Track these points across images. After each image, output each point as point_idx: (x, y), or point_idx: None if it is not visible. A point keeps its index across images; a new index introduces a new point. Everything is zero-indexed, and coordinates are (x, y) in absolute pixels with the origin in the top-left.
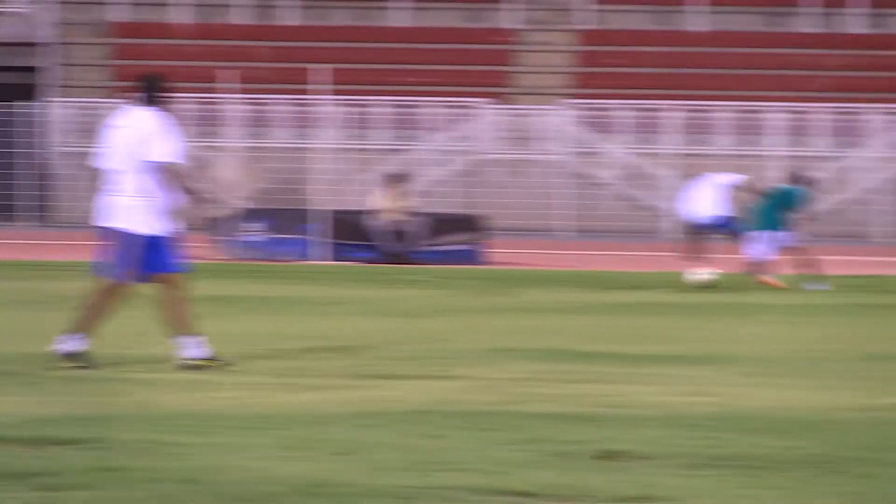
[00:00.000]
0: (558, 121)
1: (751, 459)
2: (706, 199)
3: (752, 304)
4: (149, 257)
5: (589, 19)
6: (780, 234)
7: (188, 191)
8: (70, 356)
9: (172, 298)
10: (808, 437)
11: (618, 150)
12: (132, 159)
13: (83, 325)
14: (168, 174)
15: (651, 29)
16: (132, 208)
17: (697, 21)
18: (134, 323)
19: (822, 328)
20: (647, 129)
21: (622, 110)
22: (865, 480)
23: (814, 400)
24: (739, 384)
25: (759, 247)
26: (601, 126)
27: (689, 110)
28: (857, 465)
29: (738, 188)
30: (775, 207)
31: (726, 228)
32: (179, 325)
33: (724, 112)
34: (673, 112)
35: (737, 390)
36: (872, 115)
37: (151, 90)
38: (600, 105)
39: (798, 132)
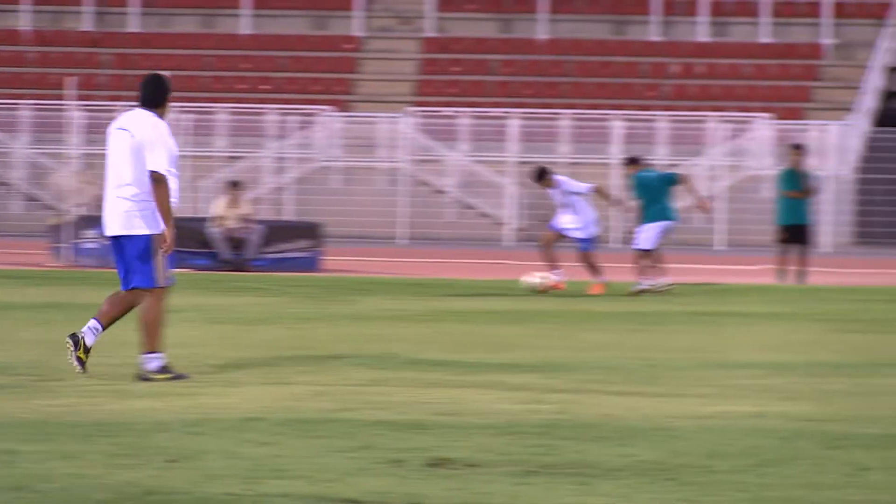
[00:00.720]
0: (400, 128)
1: (583, 467)
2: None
3: (592, 312)
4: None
5: (433, 27)
6: (667, 223)
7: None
8: (161, 370)
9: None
10: (640, 445)
11: (458, 157)
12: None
13: (149, 343)
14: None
15: (494, 37)
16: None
17: (540, 29)
18: None
19: (660, 336)
20: (488, 136)
21: (463, 118)
22: (695, 487)
23: (649, 408)
24: (576, 391)
25: (648, 237)
26: (443, 134)
27: (531, 118)
28: (687, 471)
29: (592, 194)
30: (659, 196)
31: (578, 237)
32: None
33: (565, 120)
34: (515, 120)
35: (573, 397)
36: (713, 123)
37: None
38: (442, 113)
39: (641, 140)
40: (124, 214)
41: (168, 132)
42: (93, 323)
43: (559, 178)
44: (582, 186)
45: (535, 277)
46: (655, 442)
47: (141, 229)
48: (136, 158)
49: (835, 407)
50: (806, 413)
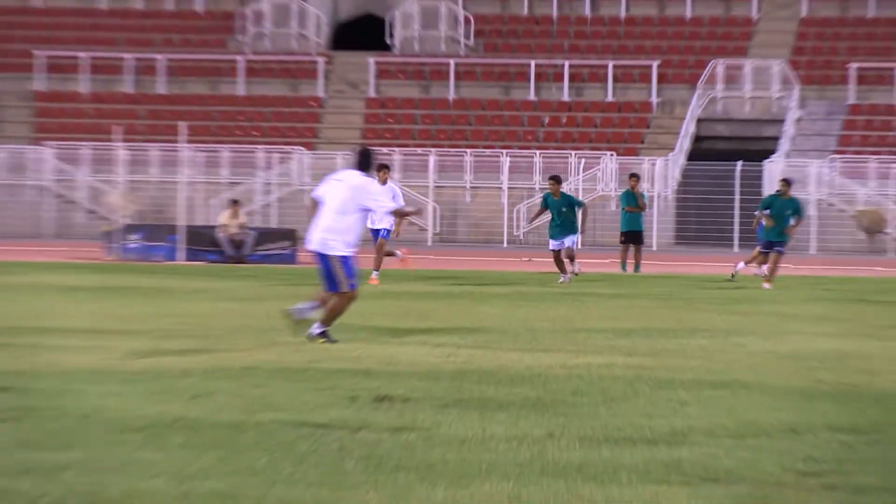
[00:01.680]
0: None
1: (484, 401)
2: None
3: (489, 293)
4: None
5: (374, 90)
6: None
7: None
8: (321, 335)
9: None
10: (525, 386)
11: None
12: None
13: (327, 320)
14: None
15: (417, 97)
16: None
17: (451, 91)
18: (51, 307)
19: (538, 310)
20: (414, 168)
21: (396, 155)
22: (564, 416)
23: (530, 360)
24: (479, 348)
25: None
26: None
27: (444, 155)
28: (558, 405)
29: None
30: (569, 214)
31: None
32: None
33: (468, 156)
34: (432, 156)
35: (477, 352)
36: (573, 158)
37: (364, 158)
38: (380, 151)
39: (523, 170)
40: (325, 240)
41: (372, 184)
42: (309, 304)
43: (392, 186)
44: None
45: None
46: (536, 384)
47: (333, 251)
48: (343, 203)
49: (662, 360)
50: (641, 363)
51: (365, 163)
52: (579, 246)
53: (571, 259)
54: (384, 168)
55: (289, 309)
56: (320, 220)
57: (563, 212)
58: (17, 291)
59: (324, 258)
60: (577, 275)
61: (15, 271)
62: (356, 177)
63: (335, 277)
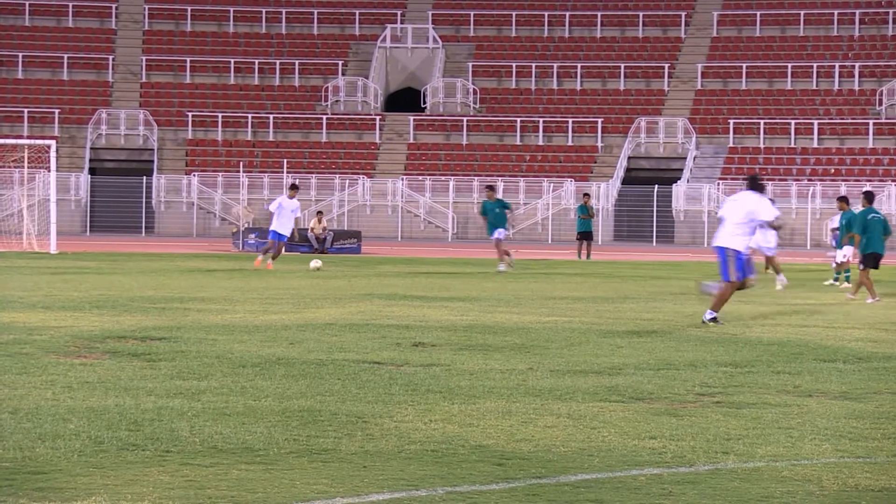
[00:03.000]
0: (398, 187)
1: (486, 346)
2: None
3: (488, 273)
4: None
5: (412, 138)
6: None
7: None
8: (712, 320)
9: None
10: (513, 335)
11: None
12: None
13: (716, 307)
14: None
15: (441, 143)
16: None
17: (459, 138)
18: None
19: (520, 284)
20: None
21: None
22: (541, 355)
23: (517, 318)
24: (482, 311)
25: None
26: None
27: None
28: (537, 348)
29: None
30: (500, 214)
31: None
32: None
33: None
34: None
35: (481, 314)
36: (545, 183)
37: (755, 182)
38: (421, 179)
39: (513, 192)
40: (728, 239)
41: (762, 201)
42: (715, 284)
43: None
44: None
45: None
46: (521, 334)
47: (731, 246)
48: (743, 214)
49: (605, 317)
50: (592, 320)
51: (756, 185)
52: (510, 236)
53: (501, 249)
54: (490, 189)
55: (701, 283)
56: (724, 228)
57: (496, 212)
58: (172, 273)
59: (722, 251)
60: (511, 266)
61: (172, 259)
62: (750, 196)
63: (727, 269)
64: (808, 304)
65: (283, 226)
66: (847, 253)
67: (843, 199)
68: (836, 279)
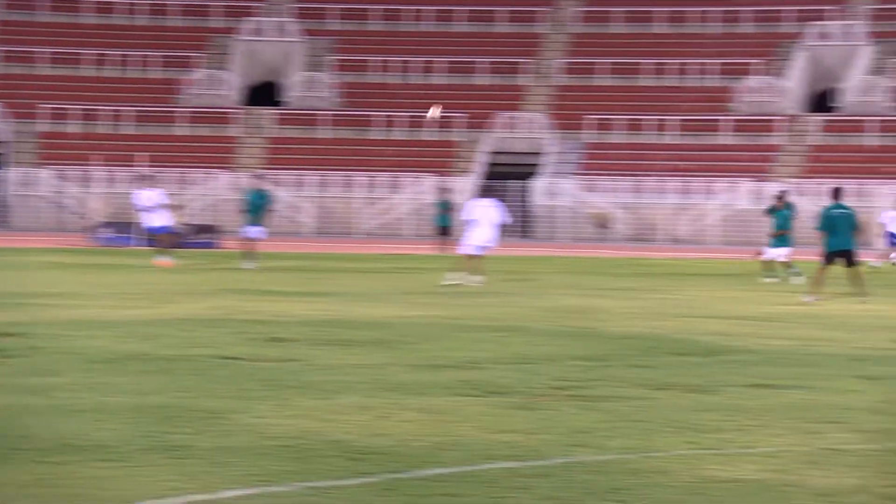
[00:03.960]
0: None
1: (344, 341)
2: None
3: (346, 268)
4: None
5: (272, 132)
6: (256, 228)
7: None
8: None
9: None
10: (373, 330)
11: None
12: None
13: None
14: None
15: (301, 136)
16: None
17: (318, 132)
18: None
19: (378, 281)
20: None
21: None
22: (399, 350)
23: (376, 313)
24: (341, 304)
25: (252, 232)
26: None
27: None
28: (395, 343)
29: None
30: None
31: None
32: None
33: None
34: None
35: (341, 308)
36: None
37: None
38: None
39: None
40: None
41: None
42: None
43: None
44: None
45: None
46: (379, 329)
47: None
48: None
49: (464, 311)
50: (449, 314)
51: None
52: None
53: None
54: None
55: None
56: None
57: (257, 204)
58: (26, 268)
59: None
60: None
61: (26, 254)
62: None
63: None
64: (663, 297)
65: (161, 217)
66: (781, 252)
67: (780, 198)
68: (773, 276)
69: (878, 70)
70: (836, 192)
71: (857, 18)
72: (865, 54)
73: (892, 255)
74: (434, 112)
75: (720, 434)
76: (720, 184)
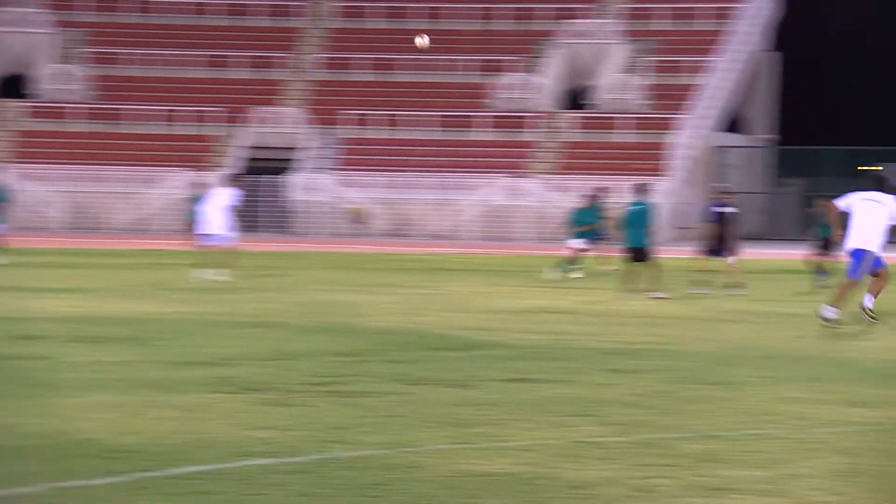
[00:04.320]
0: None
1: (95, 337)
2: None
3: (105, 264)
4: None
5: (22, 125)
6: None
7: None
8: (828, 321)
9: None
10: (126, 327)
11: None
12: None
13: (838, 302)
14: None
15: (53, 129)
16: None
17: (67, 125)
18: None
19: (136, 275)
20: None
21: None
22: (152, 347)
23: (128, 308)
24: (96, 302)
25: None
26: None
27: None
28: (149, 339)
29: None
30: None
31: None
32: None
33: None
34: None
35: (95, 305)
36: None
37: (880, 183)
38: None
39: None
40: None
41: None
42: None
43: None
44: None
45: None
46: (133, 326)
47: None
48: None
49: (217, 309)
50: (205, 310)
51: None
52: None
53: None
54: None
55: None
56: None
57: None
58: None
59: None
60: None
61: None
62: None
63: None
64: (421, 293)
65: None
66: (576, 245)
67: (593, 196)
68: (567, 270)
69: (631, 68)
70: (639, 189)
71: (611, 17)
72: (619, 53)
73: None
74: (422, 41)
75: (476, 428)
76: (477, 180)
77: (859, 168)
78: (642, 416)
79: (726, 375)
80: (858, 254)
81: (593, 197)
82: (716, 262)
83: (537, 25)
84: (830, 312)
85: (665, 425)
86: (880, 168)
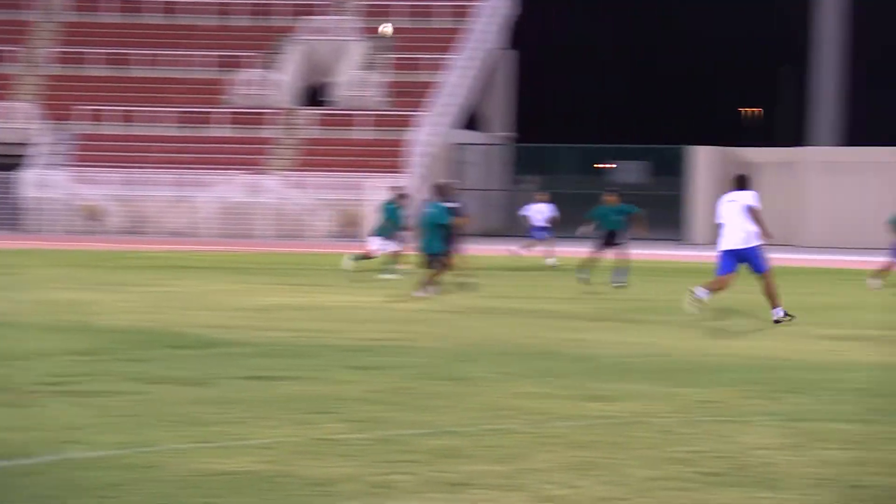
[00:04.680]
0: None
1: None
2: None
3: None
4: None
5: None
6: None
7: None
8: (778, 321)
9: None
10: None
11: None
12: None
13: (774, 301)
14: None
15: None
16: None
17: None
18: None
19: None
20: None
21: None
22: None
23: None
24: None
25: None
26: None
27: None
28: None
29: None
30: None
31: None
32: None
33: None
34: None
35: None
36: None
37: (741, 182)
38: None
39: None
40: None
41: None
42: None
43: None
44: None
45: None
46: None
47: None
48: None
49: None
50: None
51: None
52: None
53: None
54: None
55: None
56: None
57: None
58: None
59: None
60: None
61: None
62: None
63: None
64: (159, 290)
65: None
66: (385, 246)
67: (401, 195)
68: (386, 271)
69: (369, 65)
70: (438, 190)
71: (349, 14)
72: (357, 50)
73: (522, 248)
74: (385, 29)
75: (216, 427)
76: (215, 176)
77: (595, 166)
78: (382, 413)
79: (464, 371)
80: (747, 253)
81: (399, 196)
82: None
83: (275, 22)
84: (778, 314)
85: (404, 421)
86: (614, 165)
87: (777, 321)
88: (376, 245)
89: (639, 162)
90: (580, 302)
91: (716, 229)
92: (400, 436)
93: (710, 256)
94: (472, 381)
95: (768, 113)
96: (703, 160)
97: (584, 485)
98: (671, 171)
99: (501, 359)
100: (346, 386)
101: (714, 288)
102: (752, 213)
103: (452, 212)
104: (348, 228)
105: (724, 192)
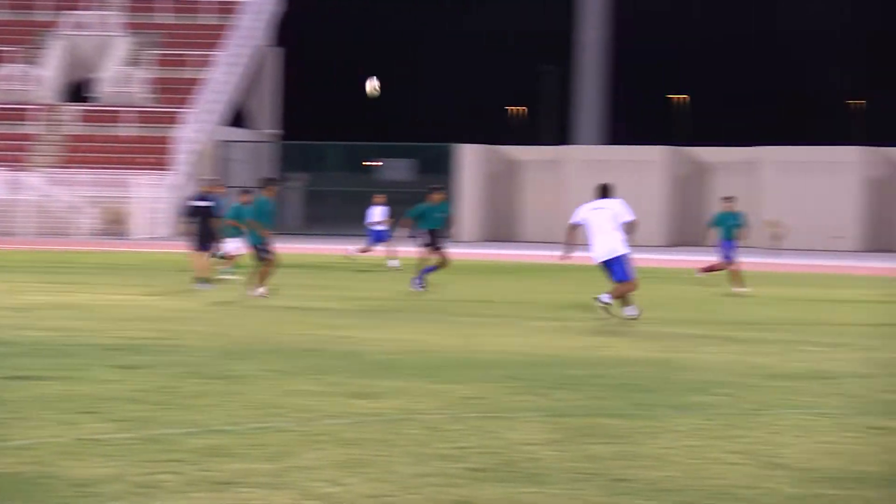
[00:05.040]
0: None
1: None
2: None
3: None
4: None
5: None
6: None
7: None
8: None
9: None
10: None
11: None
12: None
13: (622, 301)
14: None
15: None
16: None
17: None
18: None
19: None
20: None
21: None
22: None
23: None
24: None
25: None
26: None
27: None
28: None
29: None
30: None
31: None
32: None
33: None
34: None
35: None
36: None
37: (606, 191)
38: None
39: None
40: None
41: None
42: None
43: None
44: None
45: None
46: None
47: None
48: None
49: None
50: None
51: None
52: None
53: None
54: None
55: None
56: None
57: None
58: None
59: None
60: None
61: None
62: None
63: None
64: None
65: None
66: (235, 245)
67: (246, 192)
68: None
69: (134, 61)
70: (264, 183)
71: (113, 9)
72: (121, 45)
73: (357, 250)
74: (372, 86)
75: None
76: None
77: (363, 163)
78: (146, 412)
79: (232, 369)
80: (612, 262)
81: (247, 194)
82: (204, 257)
83: (37, 16)
84: (631, 312)
85: (170, 421)
86: (381, 163)
87: (634, 318)
88: (233, 246)
89: (406, 160)
90: (359, 300)
91: (485, 227)
92: (165, 435)
93: (478, 254)
94: (241, 379)
95: (532, 112)
96: (470, 158)
97: (352, 482)
98: (438, 169)
99: (271, 356)
100: (110, 385)
101: (619, 294)
102: (629, 225)
103: (210, 210)
104: (114, 226)
105: (588, 199)
